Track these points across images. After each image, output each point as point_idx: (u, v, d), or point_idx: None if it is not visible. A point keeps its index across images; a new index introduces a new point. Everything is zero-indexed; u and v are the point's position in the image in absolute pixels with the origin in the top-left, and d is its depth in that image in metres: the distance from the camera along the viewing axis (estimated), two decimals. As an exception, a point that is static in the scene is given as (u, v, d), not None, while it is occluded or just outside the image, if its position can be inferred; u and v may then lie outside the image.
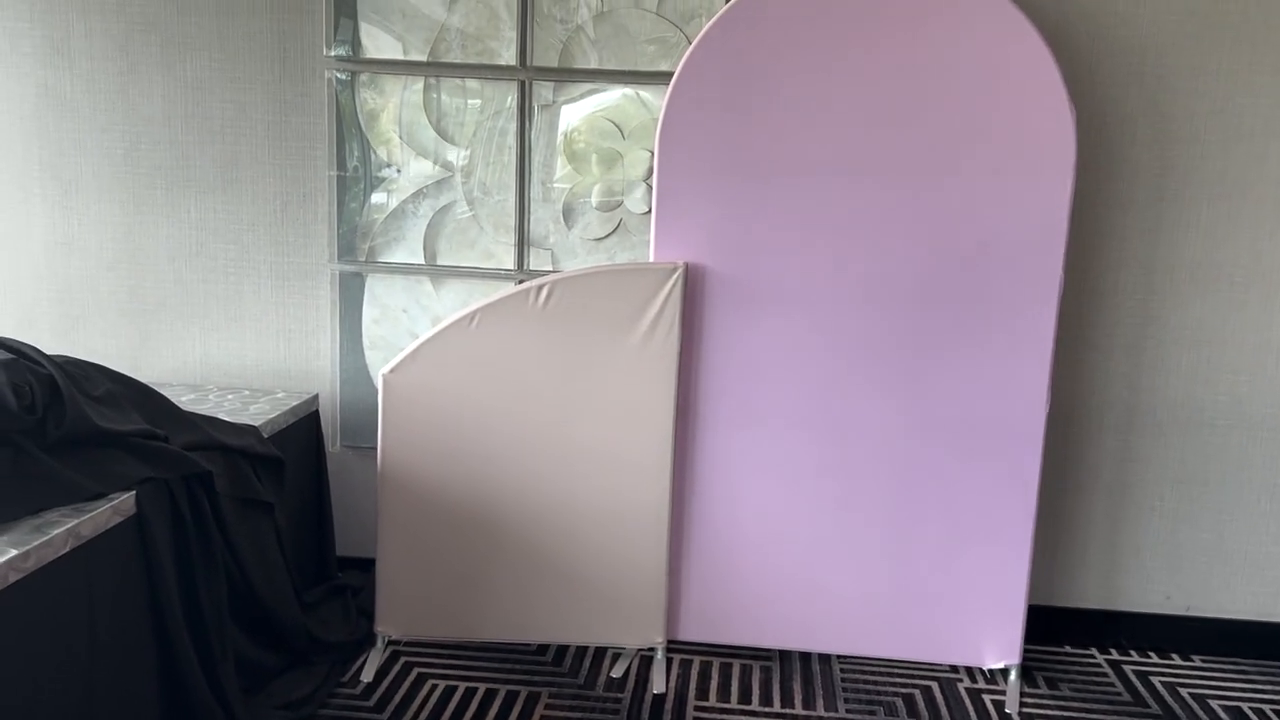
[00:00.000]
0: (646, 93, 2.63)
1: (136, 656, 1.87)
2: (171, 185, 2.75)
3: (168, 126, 2.72)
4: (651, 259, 2.45)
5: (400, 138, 2.69)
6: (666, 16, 2.59)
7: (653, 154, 2.60)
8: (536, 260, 2.73)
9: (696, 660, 2.59)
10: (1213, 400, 2.64)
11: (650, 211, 2.61)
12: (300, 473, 2.62)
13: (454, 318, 2.40)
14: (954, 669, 2.59)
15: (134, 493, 1.85)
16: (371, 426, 2.76)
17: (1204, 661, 2.71)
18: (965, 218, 2.37)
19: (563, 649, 2.61)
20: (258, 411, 2.50)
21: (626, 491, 2.45)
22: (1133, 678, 2.60)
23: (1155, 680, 2.60)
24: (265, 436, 2.38)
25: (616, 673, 2.50)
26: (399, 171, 2.70)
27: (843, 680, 2.52)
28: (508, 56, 2.63)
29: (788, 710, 2.37)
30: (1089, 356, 2.63)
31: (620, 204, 2.68)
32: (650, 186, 2.64)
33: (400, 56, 2.64)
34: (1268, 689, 2.58)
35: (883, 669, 2.58)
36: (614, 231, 2.70)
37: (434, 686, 2.41)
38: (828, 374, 2.45)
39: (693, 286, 2.44)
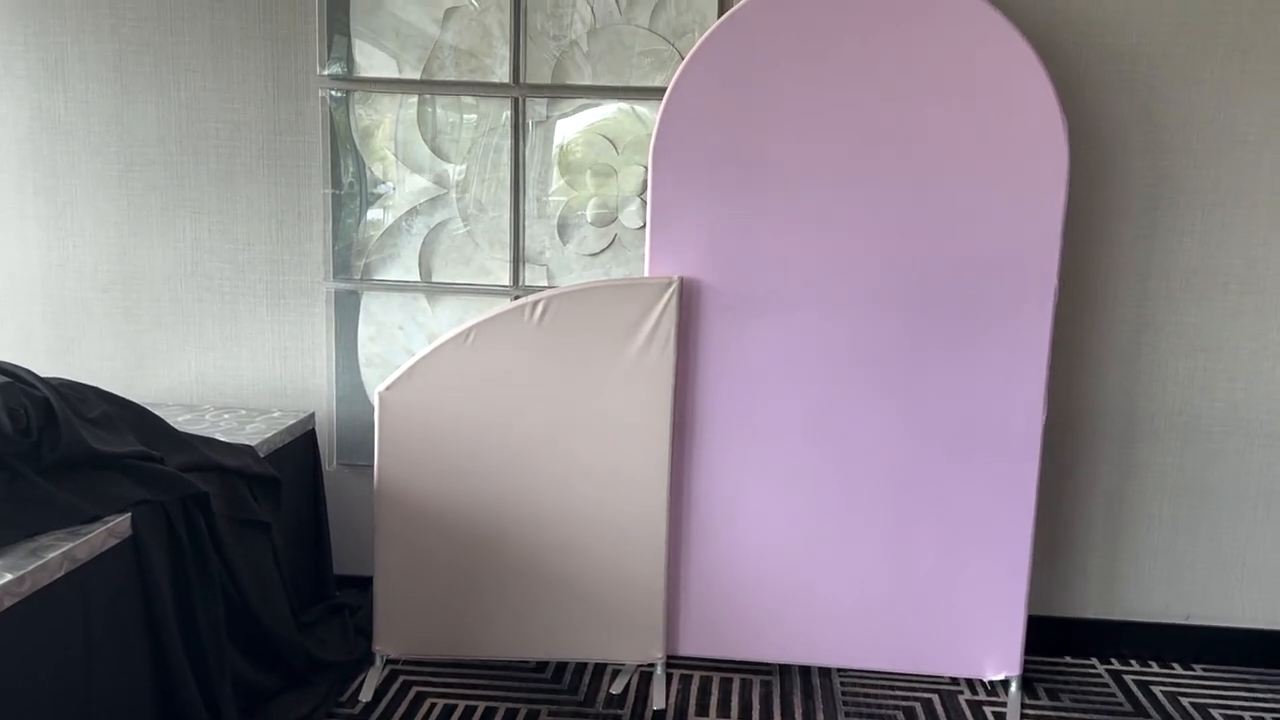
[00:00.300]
0: (641, 107, 2.64)
1: (133, 679, 1.87)
2: (166, 205, 2.75)
3: (162, 147, 2.73)
4: (646, 273, 2.45)
5: (395, 155, 2.69)
6: (659, 32, 2.60)
7: (647, 168, 2.61)
8: (532, 276, 2.73)
9: (696, 675, 2.58)
10: (1210, 407, 2.64)
11: (645, 226, 2.62)
12: (297, 492, 2.62)
13: (450, 334, 2.40)
14: (954, 681, 2.58)
15: (129, 515, 1.84)
16: (368, 444, 2.75)
17: (1205, 670, 2.70)
18: (960, 228, 2.38)
19: (562, 666, 2.60)
20: (254, 431, 2.50)
21: (624, 506, 2.45)
22: (1134, 687, 2.60)
23: (1156, 690, 2.59)
24: (261, 456, 2.37)
25: (616, 689, 2.49)
26: (394, 188, 2.71)
27: (843, 694, 2.51)
28: (501, 73, 2.63)
29: (788, 724, 2.37)
30: (1085, 364, 2.63)
31: (615, 219, 2.69)
32: (645, 201, 2.64)
33: (394, 74, 2.65)
34: (1269, 697, 2.57)
35: (883, 682, 2.57)
36: (609, 246, 2.70)
37: (433, 705, 2.40)
38: (825, 386, 2.45)
39: (688, 300, 2.44)
